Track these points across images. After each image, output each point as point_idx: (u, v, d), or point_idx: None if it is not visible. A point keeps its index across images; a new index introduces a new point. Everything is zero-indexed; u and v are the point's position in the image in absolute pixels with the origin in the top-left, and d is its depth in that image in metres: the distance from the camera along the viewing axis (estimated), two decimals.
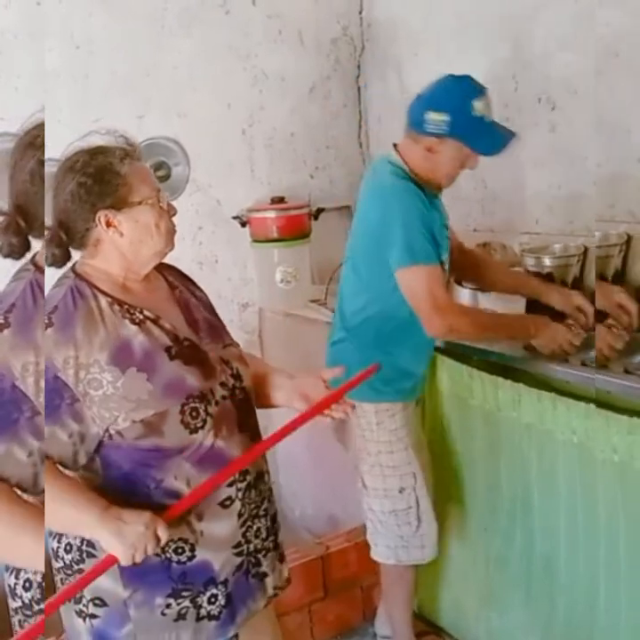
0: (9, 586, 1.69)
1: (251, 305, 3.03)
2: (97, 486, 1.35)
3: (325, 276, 2.76)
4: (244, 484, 1.45)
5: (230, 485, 1.42)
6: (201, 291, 1.60)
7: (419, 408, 2.19)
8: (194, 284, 1.60)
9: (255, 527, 1.49)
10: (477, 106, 1.85)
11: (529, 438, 1.94)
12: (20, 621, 1.68)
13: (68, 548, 1.40)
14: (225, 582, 1.44)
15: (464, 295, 2.22)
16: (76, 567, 1.39)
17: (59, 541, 1.42)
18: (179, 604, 1.40)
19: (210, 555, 1.41)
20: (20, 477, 1.29)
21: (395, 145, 1.99)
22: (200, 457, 1.38)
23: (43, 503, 1.28)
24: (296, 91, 3.02)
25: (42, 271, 1.45)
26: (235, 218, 2.90)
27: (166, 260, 1.49)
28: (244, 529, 1.46)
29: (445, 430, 2.23)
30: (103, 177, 1.35)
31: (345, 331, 2.05)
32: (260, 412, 1.56)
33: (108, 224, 1.36)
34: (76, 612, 1.42)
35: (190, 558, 1.39)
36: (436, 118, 1.84)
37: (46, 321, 1.32)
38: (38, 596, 1.65)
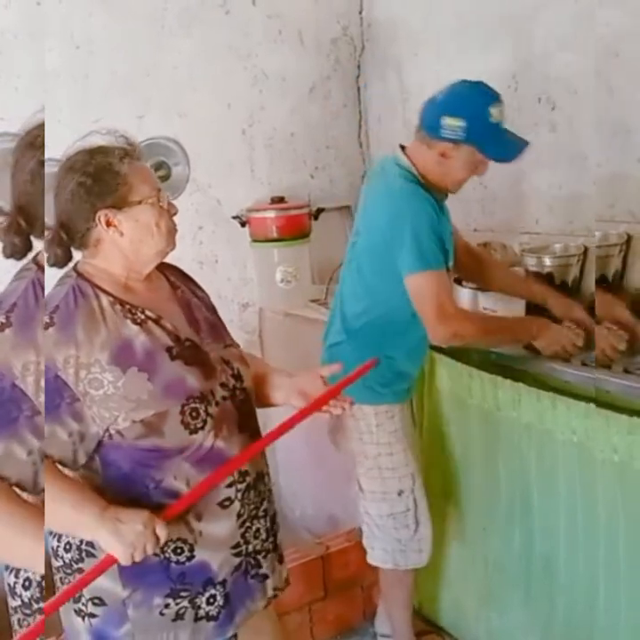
0: (8, 585, 1.69)
1: (251, 305, 3.03)
2: (96, 486, 1.35)
3: (325, 275, 2.77)
4: (244, 484, 1.45)
5: (229, 486, 1.42)
6: (202, 291, 1.60)
7: (410, 409, 2.19)
8: (195, 283, 1.60)
9: (254, 528, 1.49)
10: (494, 112, 1.84)
11: (528, 438, 1.94)
12: (19, 620, 1.69)
13: (67, 546, 1.41)
14: (223, 583, 1.44)
15: (464, 295, 2.22)
16: (75, 566, 1.40)
17: (58, 540, 1.42)
18: (177, 604, 1.40)
19: (208, 555, 1.41)
20: (20, 477, 1.29)
21: (402, 147, 1.98)
22: (200, 457, 1.38)
23: (42, 503, 1.28)
24: (296, 91, 3.02)
25: (44, 271, 1.45)
26: (235, 217, 2.90)
27: (167, 260, 1.49)
28: (242, 530, 1.46)
29: (444, 430, 2.23)
30: (103, 176, 1.35)
31: (345, 333, 2.04)
32: (258, 411, 1.56)
33: (109, 223, 1.36)
34: (76, 611, 1.42)
35: (189, 558, 1.39)
36: (453, 124, 1.83)
37: (48, 320, 1.32)
38: (38, 594, 1.65)
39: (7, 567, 1.69)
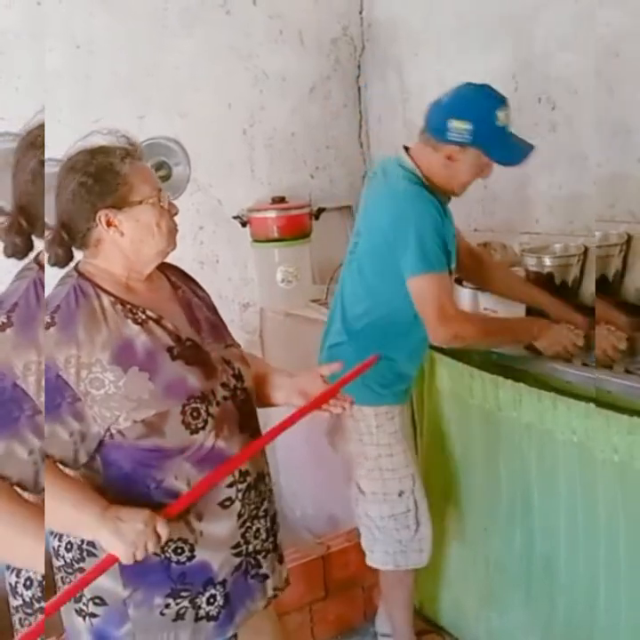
0: (10, 584, 1.69)
1: (251, 305, 3.03)
2: (97, 486, 1.35)
3: (326, 275, 2.77)
4: (245, 485, 1.45)
5: (230, 486, 1.42)
6: (203, 290, 1.60)
7: (410, 411, 2.19)
8: (196, 283, 1.60)
9: (254, 528, 1.49)
10: (500, 116, 1.84)
11: (529, 438, 1.94)
12: (20, 620, 1.69)
13: (68, 546, 1.41)
14: (223, 583, 1.44)
15: (464, 295, 2.22)
16: (76, 566, 1.40)
17: (59, 540, 1.42)
18: (177, 604, 1.40)
19: (209, 555, 1.41)
20: (21, 476, 1.30)
21: (406, 148, 1.97)
22: (201, 457, 1.38)
23: (43, 502, 1.28)
24: (296, 91, 3.02)
25: (45, 270, 1.46)
26: (235, 218, 2.90)
27: (167, 260, 1.50)
28: (243, 530, 1.46)
29: (445, 430, 2.23)
30: (103, 176, 1.35)
31: (346, 334, 2.04)
32: (258, 411, 1.56)
33: (109, 223, 1.36)
34: (76, 611, 1.42)
35: (189, 558, 1.39)
36: (459, 127, 1.83)
37: (49, 320, 1.32)
38: (39, 594, 1.65)
39: (8, 566, 1.69)
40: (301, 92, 3.03)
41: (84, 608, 1.41)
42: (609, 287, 2.09)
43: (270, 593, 1.54)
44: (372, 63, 3.09)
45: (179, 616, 1.41)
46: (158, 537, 1.30)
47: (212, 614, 1.43)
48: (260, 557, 1.51)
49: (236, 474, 1.43)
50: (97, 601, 1.39)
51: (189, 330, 1.44)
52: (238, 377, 1.48)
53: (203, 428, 1.38)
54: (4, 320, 1.34)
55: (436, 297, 1.85)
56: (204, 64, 2.81)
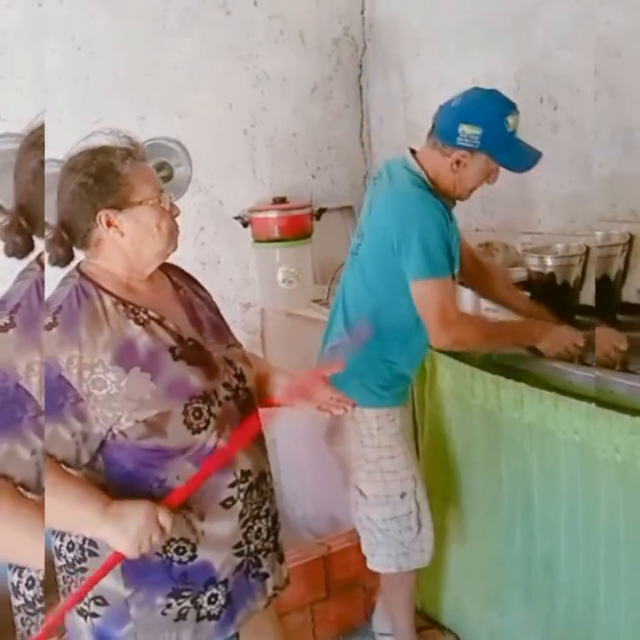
0: (12, 583, 1.69)
1: (253, 305, 3.03)
2: (99, 486, 1.35)
3: (327, 275, 2.77)
4: (246, 484, 1.45)
5: (232, 486, 1.43)
6: (205, 291, 1.60)
7: (410, 412, 2.19)
8: (198, 284, 1.60)
9: (256, 528, 1.49)
10: (510, 122, 1.84)
11: (530, 438, 1.94)
12: (22, 619, 1.69)
13: (70, 546, 1.41)
14: (225, 582, 1.44)
15: (466, 296, 2.22)
16: (78, 565, 1.40)
17: (61, 539, 1.42)
18: (179, 604, 1.40)
19: (211, 555, 1.41)
20: (24, 476, 1.30)
21: (412, 151, 1.96)
22: (203, 457, 1.38)
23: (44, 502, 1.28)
24: (298, 91, 3.02)
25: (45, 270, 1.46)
26: (237, 218, 2.90)
27: (168, 260, 1.50)
28: (244, 529, 1.46)
29: (446, 430, 2.23)
30: (104, 177, 1.35)
31: (347, 335, 2.03)
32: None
33: (109, 224, 1.36)
34: (78, 611, 1.42)
35: (191, 558, 1.40)
36: (469, 131, 1.83)
37: (51, 320, 1.32)
38: (41, 593, 1.65)
39: (10, 566, 1.69)
40: (303, 92, 3.03)
41: (86, 608, 1.41)
42: (611, 287, 2.09)
43: (270, 592, 1.54)
44: (374, 63, 3.09)
45: (180, 616, 1.41)
46: (162, 529, 1.30)
47: (214, 614, 1.43)
48: (260, 557, 1.51)
49: (238, 474, 1.43)
50: (98, 601, 1.39)
51: (191, 330, 1.44)
52: (240, 377, 1.48)
53: (205, 427, 1.38)
54: (7, 321, 1.34)
55: (439, 302, 1.85)
56: (205, 64, 2.81)
